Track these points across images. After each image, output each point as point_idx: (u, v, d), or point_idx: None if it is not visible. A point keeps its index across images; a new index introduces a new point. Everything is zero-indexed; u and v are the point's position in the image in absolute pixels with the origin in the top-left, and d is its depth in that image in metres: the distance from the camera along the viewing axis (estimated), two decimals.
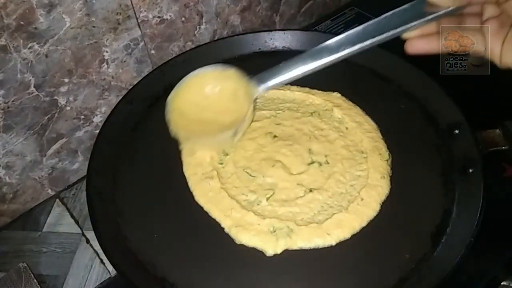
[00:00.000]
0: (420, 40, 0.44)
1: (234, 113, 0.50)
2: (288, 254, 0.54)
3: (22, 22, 0.58)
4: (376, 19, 0.45)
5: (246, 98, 0.50)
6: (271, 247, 0.53)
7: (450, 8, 0.42)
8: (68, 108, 0.70)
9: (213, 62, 0.79)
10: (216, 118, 0.50)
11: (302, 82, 0.67)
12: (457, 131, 0.64)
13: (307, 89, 0.72)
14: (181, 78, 0.76)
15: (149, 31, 0.74)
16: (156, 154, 0.66)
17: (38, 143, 0.70)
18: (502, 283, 0.58)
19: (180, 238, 0.57)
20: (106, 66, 0.71)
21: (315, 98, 0.71)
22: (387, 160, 0.62)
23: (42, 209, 0.75)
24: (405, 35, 0.44)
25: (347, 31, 0.46)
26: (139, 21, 0.71)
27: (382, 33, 0.44)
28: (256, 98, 0.52)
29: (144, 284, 0.52)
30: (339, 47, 0.46)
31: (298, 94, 0.72)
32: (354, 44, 0.45)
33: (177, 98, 0.52)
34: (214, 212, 0.57)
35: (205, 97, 0.51)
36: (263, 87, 0.49)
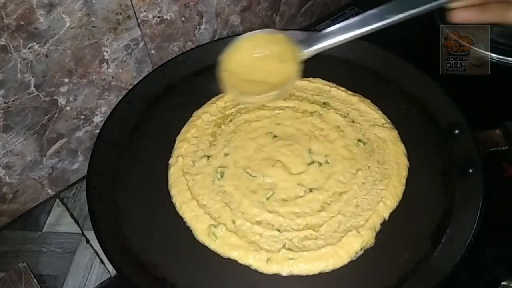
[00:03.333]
0: (464, 11, 0.45)
1: (281, 74, 0.52)
2: None
3: (22, 22, 0.58)
4: None
5: (293, 61, 0.52)
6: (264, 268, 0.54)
7: None
8: (68, 108, 0.70)
9: (213, 62, 0.79)
10: (265, 79, 0.52)
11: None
12: (457, 131, 0.64)
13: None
14: (181, 78, 0.77)
15: (149, 31, 0.74)
16: (156, 154, 0.66)
17: (38, 143, 0.70)
18: (502, 283, 0.58)
19: (180, 238, 0.57)
20: (106, 66, 0.71)
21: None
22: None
23: (42, 209, 0.75)
24: (452, 5, 0.45)
25: (388, 2, 0.47)
26: (139, 21, 0.71)
27: (424, 4, 0.45)
28: (303, 60, 0.53)
29: (144, 284, 0.52)
30: (382, 16, 0.47)
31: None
32: (397, 13, 0.46)
33: (228, 59, 0.54)
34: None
35: (254, 59, 0.53)
36: (308, 50, 0.52)
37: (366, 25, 0.48)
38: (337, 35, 0.50)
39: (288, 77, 0.52)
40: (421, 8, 0.45)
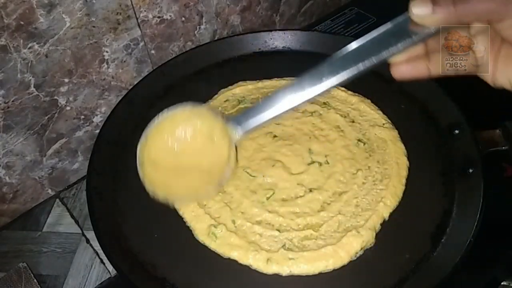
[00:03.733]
0: (407, 64, 0.40)
1: (212, 156, 0.44)
2: None
3: (22, 22, 0.58)
4: (356, 44, 0.39)
5: (224, 139, 0.44)
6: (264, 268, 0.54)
7: (435, 29, 0.39)
8: (68, 108, 0.70)
9: (213, 62, 0.80)
10: (193, 163, 0.45)
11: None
12: (457, 131, 0.64)
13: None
14: (181, 78, 0.77)
15: (149, 31, 0.74)
16: None
17: (38, 143, 0.70)
18: (502, 283, 0.58)
19: (180, 238, 0.57)
20: (106, 66, 0.71)
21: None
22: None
23: (42, 209, 0.75)
24: (391, 60, 0.40)
25: (324, 61, 0.41)
26: (139, 21, 0.71)
27: (365, 60, 0.39)
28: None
29: (144, 284, 0.52)
30: (320, 78, 0.40)
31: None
32: (336, 73, 0.40)
33: (146, 148, 0.47)
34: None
35: (176, 141, 0.45)
36: (242, 128, 0.43)
37: (302, 90, 0.40)
38: (275, 105, 0.41)
39: (220, 159, 0.44)
40: (359, 68, 0.39)
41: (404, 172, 0.62)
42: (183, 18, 0.78)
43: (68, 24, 0.63)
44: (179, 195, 0.48)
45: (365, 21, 1.00)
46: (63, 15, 0.62)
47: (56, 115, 0.69)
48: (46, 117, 0.68)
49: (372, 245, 0.55)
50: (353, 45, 0.39)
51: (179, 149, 0.45)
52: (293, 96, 0.41)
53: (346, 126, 0.68)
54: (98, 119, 0.75)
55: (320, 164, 0.62)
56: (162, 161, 0.46)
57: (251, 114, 0.43)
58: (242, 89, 0.74)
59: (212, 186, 0.46)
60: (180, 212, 0.59)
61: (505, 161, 0.71)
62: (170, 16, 0.76)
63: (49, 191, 0.76)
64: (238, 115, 0.44)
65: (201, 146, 0.45)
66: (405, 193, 0.60)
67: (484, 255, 0.60)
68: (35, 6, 0.58)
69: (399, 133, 0.66)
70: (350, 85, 0.74)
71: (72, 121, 0.72)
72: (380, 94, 0.72)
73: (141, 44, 0.74)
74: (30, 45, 0.60)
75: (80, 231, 0.71)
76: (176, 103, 0.73)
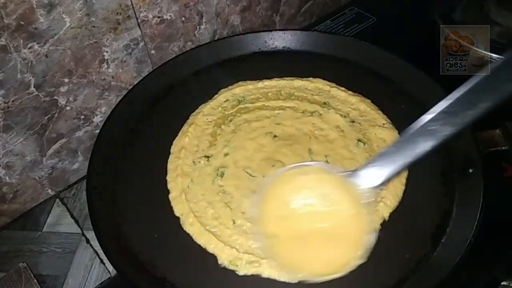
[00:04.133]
0: None
1: (343, 220, 0.40)
2: None
3: (22, 22, 0.58)
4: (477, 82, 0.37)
5: (354, 205, 0.40)
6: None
7: None
8: (68, 108, 0.70)
9: (213, 62, 0.80)
10: (319, 230, 0.40)
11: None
12: None
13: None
14: (181, 78, 0.77)
15: (149, 31, 0.74)
16: (156, 154, 0.66)
17: (38, 143, 0.70)
18: (502, 283, 0.58)
19: (180, 238, 0.57)
20: (106, 66, 0.71)
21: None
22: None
23: (42, 209, 0.75)
24: None
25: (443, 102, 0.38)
26: (139, 21, 0.71)
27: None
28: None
29: (144, 284, 0.52)
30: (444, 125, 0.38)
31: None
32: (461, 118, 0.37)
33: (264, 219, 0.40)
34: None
35: (298, 207, 0.40)
36: (372, 184, 0.39)
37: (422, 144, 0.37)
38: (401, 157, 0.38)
39: (358, 223, 0.39)
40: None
41: (404, 172, 0.62)
42: (183, 18, 0.78)
43: (68, 24, 0.63)
44: (312, 270, 0.42)
45: (365, 21, 1.00)
46: (63, 15, 0.61)
47: (56, 115, 0.69)
48: (46, 117, 0.68)
49: (372, 245, 0.55)
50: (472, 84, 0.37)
51: (301, 216, 0.40)
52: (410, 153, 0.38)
53: (346, 126, 0.68)
54: (98, 119, 0.75)
55: None
56: (283, 231, 0.41)
57: (380, 165, 0.39)
58: (242, 89, 0.74)
59: (349, 253, 0.40)
60: (178, 214, 0.59)
61: (505, 161, 0.71)
62: (170, 16, 0.76)
63: (49, 191, 0.76)
64: (360, 170, 0.40)
65: (327, 210, 0.40)
66: (405, 193, 0.60)
67: (484, 255, 0.60)
68: (35, 6, 0.58)
69: (399, 133, 0.66)
70: (350, 85, 0.74)
71: (72, 121, 0.72)
72: (380, 94, 0.72)
73: (141, 44, 0.74)
74: (30, 45, 0.60)
75: (80, 231, 0.71)
76: (176, 103, 0.73)
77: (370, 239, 0.40)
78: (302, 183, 0.41)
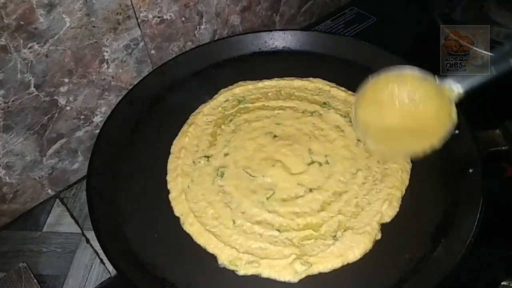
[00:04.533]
0: None
1: (430, 115, 0.49)
2: None
3: (22, 22, 0.58)
4: None
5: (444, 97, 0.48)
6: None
7: None
8: (68, 108, 0.70)
9: (213, 62, 0.80)
10: (409, 123, 0.49)
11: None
12: (457, 131, 0.64)
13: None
14: (181, 78, 0.77)
15: (149, 31, 0.74)
16: (156, 154, 0.66)
17: (38, 143, 0.70)
18: (502, 283, 0.58)
19: (180, 238, 0.57)
20: (106, 66, 0.71)
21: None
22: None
23: (42, 209, 0.75)
24: None
25: None
26: (139, 21, 0.71)
27: None
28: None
29: (144, 284, 0.52)
30: None
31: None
32: None
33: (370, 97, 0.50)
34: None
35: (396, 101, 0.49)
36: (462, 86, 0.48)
37: None
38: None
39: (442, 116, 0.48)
40: None
41: (404, 172, 0.62)
42: (183, 18, 0.78)
43: (68, 24, 0.63)
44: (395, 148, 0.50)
45: (365, 21, 0.99)
46: (63, 15, 0.61)
47: (56, 115, 0.69)
48: (46, 117, 0.68)
49: (372, 245, 0.55)
50: None
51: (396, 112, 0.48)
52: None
53: (346, 126, 0.68)
54: (98, 119, 0.75)
55: (320, 164, 0.62)
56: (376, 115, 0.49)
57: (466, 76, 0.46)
58: (242, 89, 0.74)
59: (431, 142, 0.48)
60: (178, 214, 0.59)
61: (505, 161, 0.71)
62: (170, 16, 0.76)
63: (49, 191, 0.76)
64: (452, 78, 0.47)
65: (418, 107, 0.48)
66: (405, 193, 0.60)
67: (484, 255, 0.60)
68: (35, 6, 0.58)
69: None
70: (350, 85, 0.74)
71: (72, 121, 0.72)
72: None
73: (141, 44, 0.74)
74: (30, 45, 0.60)
75: (80, 231, 0.71)
76: (176, 103, 0.73)
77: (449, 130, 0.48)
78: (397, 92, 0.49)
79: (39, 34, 0.60)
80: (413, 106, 0.49)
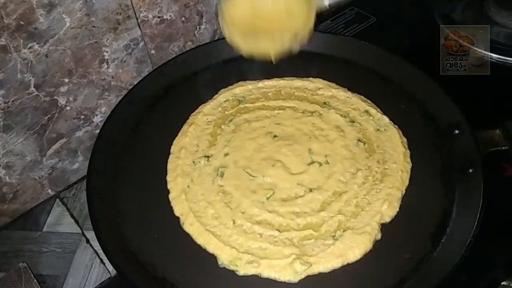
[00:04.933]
0: None
1: (292, 21, 0.50)
2: None
3: (22, 22, 0.58)
4: None
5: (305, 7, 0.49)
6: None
7: None
8: (68, 108, 0.70)
9: (213, 62, 0.80)
10: (273, 27, 0.50)
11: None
12: (457, 131, 0.64)
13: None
14: (181, 78, 0.77)
15: (149, 31, 0.74)
16: (156, 154, 0.66)
17: (38, 143, 0.70)
18: (502, 283, 0.58)
19: (180, 238, 0.57)
20: (106, 66, 0.71)
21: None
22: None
23: (42, 209, 0.75)
24: None
25: None
26: (139, 21, 0.71)
27: None
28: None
29: (144, 284, 0.52)
30: None
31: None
32: None
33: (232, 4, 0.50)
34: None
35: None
36: None
37: None
38: None
39: (300, 24, 0.48)
40: None
41: (404, 173, 0.62)
42: (183, 18, 0.78)
43: (68, 24, 0.63)
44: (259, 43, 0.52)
45: (365, 21, 0.99)
46: (63, 15, 0.61)
47: (56, 115, 0.69)
48: (46, 117, 0.68)
49: (372, 245, 0.55)
50: None
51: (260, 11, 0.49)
52: None
53: (346, 126, 0.68)
54: (98, 119, 0.75)
55: (320, 164, 0.62)
56: (241, 16, 0.50)
57: None
58: (242, 89, 0.75)
59: (290, 34, 0.49)
60: (178, 214, 0.59)
61: (505, 161, 0.71)
62: (170, 16, 0.76)
63: (49, 191, 0.76)
64: None
65: (281, 12, 0.49)
66: (405, 193, 0.60)
67: (484, 255, 0.60)
68: (35, 6, 0.58)
69: (399, 133, 0.67)
70: (350, 85, 0.74)
71: (72, 121, 0.72)
72: (380, 94, 0.72)
73: (141, 44, 0.74)
74: (30, 45, 0.60)
75: (80, 231, 0.71)
76: (176, 103, 0.73)
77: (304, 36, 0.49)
78: None
79: (39, 34, 0.60)
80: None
